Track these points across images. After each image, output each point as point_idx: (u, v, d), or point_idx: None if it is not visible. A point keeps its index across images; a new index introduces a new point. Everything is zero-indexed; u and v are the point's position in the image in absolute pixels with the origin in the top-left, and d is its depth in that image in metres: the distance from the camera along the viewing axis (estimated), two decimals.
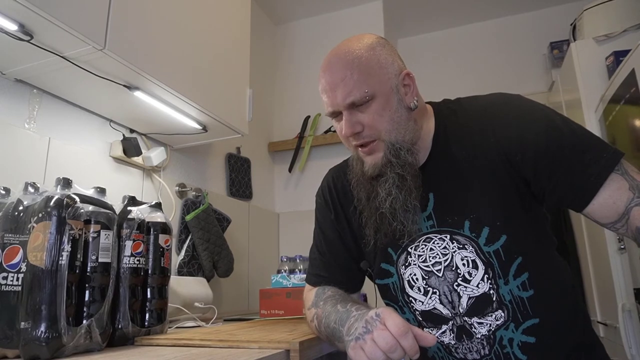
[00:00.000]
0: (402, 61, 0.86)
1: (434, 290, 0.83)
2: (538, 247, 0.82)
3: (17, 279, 0.78)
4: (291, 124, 2.59)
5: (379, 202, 0.82)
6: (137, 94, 1.26)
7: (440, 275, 0.82)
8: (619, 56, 1.67)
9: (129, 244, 0.94)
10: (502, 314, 0.79)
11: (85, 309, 0.82)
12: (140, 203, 1.04)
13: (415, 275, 0.84)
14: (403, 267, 0.86)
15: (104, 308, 0.84)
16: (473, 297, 0.80)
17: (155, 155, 1.54)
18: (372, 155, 0.83)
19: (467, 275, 0.80)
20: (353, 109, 0.80)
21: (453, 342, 0.82)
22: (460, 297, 0.80)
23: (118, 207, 0.98)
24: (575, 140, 0.76)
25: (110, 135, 1.45)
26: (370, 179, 0.84)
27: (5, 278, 0.78)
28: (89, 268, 0.84)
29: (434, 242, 0.83)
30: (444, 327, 0.83)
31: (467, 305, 0.80)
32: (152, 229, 1.01)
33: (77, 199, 0.83)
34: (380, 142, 0.81)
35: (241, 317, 1.49)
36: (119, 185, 1.44)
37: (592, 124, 1.75)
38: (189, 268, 1.63)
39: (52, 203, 0.79)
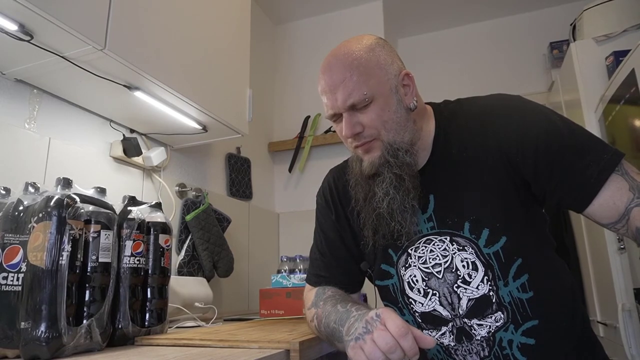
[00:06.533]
0: (401, 61, 0.86)
1: (434, 291, 0.83)
2: (538, 248, 0.82)
3: (18, 279, 0.78)
4: (291, 124, 2.59)
5: (376, 203, 0.82)
6: (137, 94, 1.26)
7: (440, 276, 0.82)
8: (618, 56, 1.67)
9: (129, 244, 0.94)
10: (502, 316, 0.79)
11: (85, 309, 0.82)
12: (141, 203, 1.04)
13: (415, 276, 0.84)
14: (403, 268, 0.86)
15: (104, 308, 0.84)
16: (473, 298, 0.80)
17: (155, 155, 1.54)
18: (369, 153, 0.83)
19: (467, 277, 0.80)
20: (353, 110, 0.80)
21: (453, 344, 0.82)
22: (460, 298, 0.80)
23: (118, 207, 0.98)
24: (576, 141, 0.76)
25: (110, 135, 1.45)
26: (367, 178, 0.84)
27: (5, 278, 0.78)
28: (89, 268, 0.84)
29: (434, 244, 0.83)
30: (444, 329, 0.83)
31: (466, 306, 0.80)
32: (152, 229, 1.01)
33: (77, 199, 0.83)
34: (379, 141, 0.81)
35: (241, 317, 1.49)
36: (119, 185, 1.44)
37: (592, 124, 1.75)
38: (189, 268, 1.63)
39: (52, 203, 0.79)
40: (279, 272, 1.52)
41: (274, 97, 2.72)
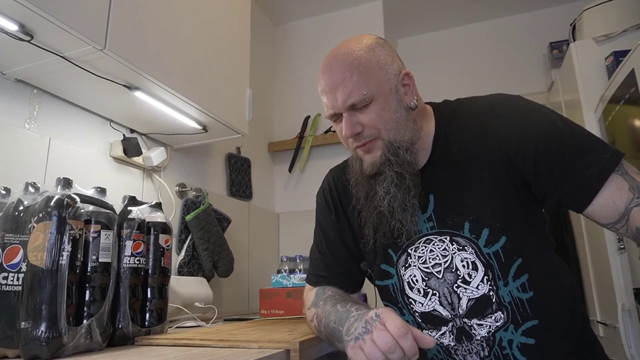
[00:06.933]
0: (401, 61, 0.86)
1: (434, 291, 0.83)
2: (538, 248, 0.82)
3: (18, 279, 0.78)
4: (291, 124, 2.59)
5: (377, 201, 0.82)
6: (137, 94, 1.26)
7: (440, 276, 0.82)
8: (618, 56, 1.67)
9: (129, 244, 0.94)
10: (502, 316, 0.79)
11: (85, 309, 0.82)
12: (141, 203, 1.04)
13: (415, 276, 0.85)
14: (403, 268, 0.86)
15: (104, 308, 0.84)
16: (473, 298, 0.80)
17: (155, 155, 1.54)
18: (370, 153, 0.83)
19: (466, 277, 0.80)
20: (353, 110, 0.80)
21: (452, 344, 0.82)
22: (460, 298, 0.80)
23: (118, 207, 0.98)
24: (576, 141, 0.76)
25: (111, 135, 1.45)
26: (368, 177, 0.84)
27: (5, 278, 0.78)
28: (89, 268, 0.84)
29: (434, 244, 0.83)
30: (444, 329, 0.83)
31: (466, 306, 0.80)
32: (152, 229, 1.01)
33: (78, 199, 0.83)
34: (379, 140, 0.81)
35: (241, 317, 1.49)
36: (119, 185, 1.44)
37: (592, 124, 1.75)
38: (189, 268, 1.63)
39: (52, 203, 0.79)
40: (279, 272, 1.52)
41: (274, 97, 2.72)
